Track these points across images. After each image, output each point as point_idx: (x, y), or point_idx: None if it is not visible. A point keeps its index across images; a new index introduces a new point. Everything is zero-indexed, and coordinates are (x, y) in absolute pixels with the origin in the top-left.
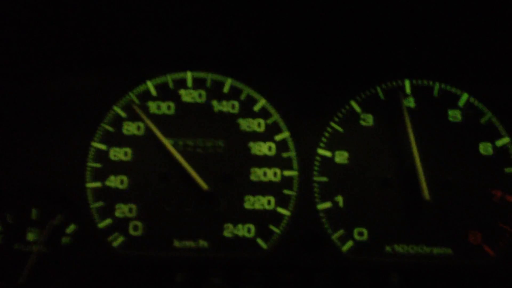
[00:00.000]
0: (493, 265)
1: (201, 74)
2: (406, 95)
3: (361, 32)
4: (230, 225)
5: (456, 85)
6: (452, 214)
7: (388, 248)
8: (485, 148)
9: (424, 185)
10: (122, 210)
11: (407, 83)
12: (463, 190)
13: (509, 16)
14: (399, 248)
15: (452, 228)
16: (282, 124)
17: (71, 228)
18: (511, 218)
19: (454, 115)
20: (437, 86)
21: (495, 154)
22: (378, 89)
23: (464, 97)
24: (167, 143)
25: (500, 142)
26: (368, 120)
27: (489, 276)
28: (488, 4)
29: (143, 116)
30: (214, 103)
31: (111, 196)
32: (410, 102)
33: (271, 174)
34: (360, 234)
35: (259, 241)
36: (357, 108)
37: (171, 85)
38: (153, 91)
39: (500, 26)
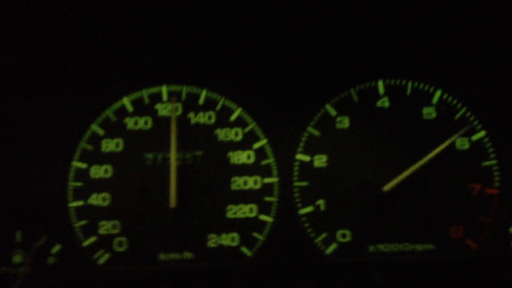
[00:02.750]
0: (475, 258)
1: (176, 88)
2: (379, 96)
3: (331, 35)
4: (214, 235)
5: (429, 82)
6: (432, 210)
7: (371, 248)
8: (461, 143)
9: (395, 181)
10: (106, 227)
11: (380, 84)
12: (442, 186)
13: (479, 14)
14: (382, 247)
15: (434, 224)
16: (259, 131)
17: (56, 248)
18: (491, 210)
19: (429, 112)
20: (410, 84)
21: (472, 149)
22: (352, 91)
23: (438, 94)
24: (173, 158)
25: (475, 136)
26: (344, 122)
27: (472, 269)
28: (457, 3)
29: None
30: (191, 115)
31: (94, 214)
32: (384, 102)
33: (251, 182)
34: (343, 236)
35: (244, 249)
36: (332, 111)
37: (146, 100)
38: (130, 107)
39: (470, 23)
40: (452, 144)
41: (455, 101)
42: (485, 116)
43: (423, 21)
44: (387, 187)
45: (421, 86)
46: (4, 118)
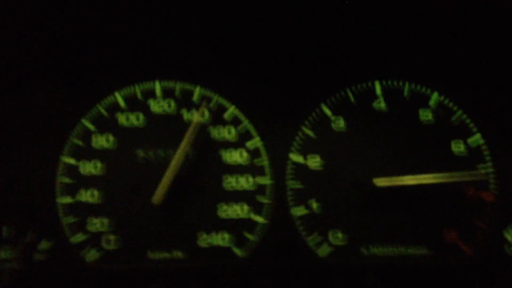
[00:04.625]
0: (469, 263)
1: (170, 84)
2: (376, 97)
3: (329, 34)
4: (204, 234)
5: (426, 84)
6: (426, 212)
7: (364, 250)
8: (457, 147)
9: (388, 180)
10: (94, 224)
11: (377, 85)
12: (436, 189)
13: (477, 16)
14: (375, 249)
15: (427, 227)
16: (253, 130)
17: (43, 244)
18: (485, 215)
19: (426, 114)
20: (407, 86)
21: (468, 152)
22: (349, 92)
23: (435, 96)
24: (178, 157)
25: (472, 140)
26: (339, 123)
27: (467, 273)
28: (456, 5)
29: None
30: (184, 112)
31: (82, 211)
32: (381, 104)
33: (244, 182)
34: (337, 238)
35: (235, 249)
36: (328, 112)
37: (139, 96)
38: (122, 103)
39: (468, 26)
40: (449, 147)
41: (451, 104)
42: (482, 119)
43: (422, 24)
44: (378, 182)
45: (418, 88)
46: None
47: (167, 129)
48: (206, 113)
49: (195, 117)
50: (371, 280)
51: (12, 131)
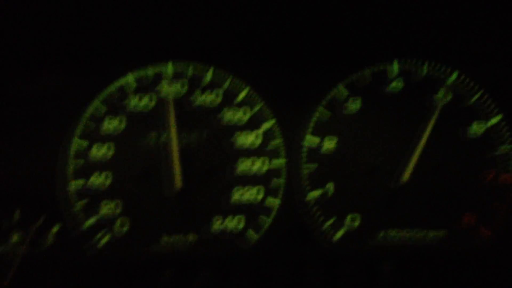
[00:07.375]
0: (489, 245)
1: (182, 65)
2: (393, 77)
3: (345, 14)
4: (219, 218)
5: (445, 63)
6: (445, 196)
7: (381, 233)
8: (476, 128)
9: (409, 171)
10: (108, 207)
11: (395, 65)
12: (455, 172)
13: None
14: (393, 232)
15: (446, 210)
16: (267, 112)
17: (55, 228)
18: (505, 197)
19: (444, 95)
20: (425, 66)
21: (487, 133)
22: (366, 72)
23: (454, 76)
24: (174, 137)
25: (492, 121)
26: (355, 104)
27: (486, 256)
28: None
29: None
30: (197, 93)
31: (95, 194)
32: (399, 83)
33: (259, 164)
34: (352, 220)
35: (250, 232)
36: (345, 92)
37: (151, 77)
38: (133, 84)
39: (487, 3)
40: (467, 129)
41: (471, 84)
42: (503, 99)
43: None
44: (405, 178)
45: (437, 68)
46: (4, 94)
47: (179, 112)
48: (220, 95)
49: (208, 99)
50: (388, 266)
51: (22, 115)
